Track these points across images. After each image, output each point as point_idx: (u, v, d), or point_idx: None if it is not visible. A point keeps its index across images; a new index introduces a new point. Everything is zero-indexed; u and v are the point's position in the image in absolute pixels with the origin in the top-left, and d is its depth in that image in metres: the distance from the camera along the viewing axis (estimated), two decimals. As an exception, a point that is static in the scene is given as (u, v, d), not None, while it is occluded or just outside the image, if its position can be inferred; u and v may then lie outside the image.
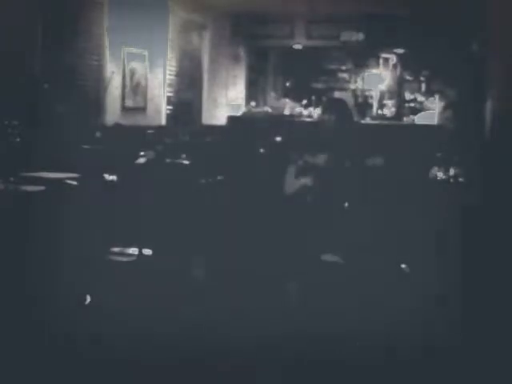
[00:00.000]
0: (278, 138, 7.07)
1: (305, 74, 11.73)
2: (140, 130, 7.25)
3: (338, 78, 11.77)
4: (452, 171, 5.10)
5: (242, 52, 11.49)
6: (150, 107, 8.59)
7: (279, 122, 10.31)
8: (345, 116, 5.09)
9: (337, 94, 11.50)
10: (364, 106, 11.31)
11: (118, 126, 7.28)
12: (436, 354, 3.51)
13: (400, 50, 10.93)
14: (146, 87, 8.42)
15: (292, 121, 10.53)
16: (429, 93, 11.07)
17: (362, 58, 11.42)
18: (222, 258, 4.82)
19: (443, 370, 3.38)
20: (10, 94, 5.69)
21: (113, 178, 4.89)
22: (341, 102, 5.97)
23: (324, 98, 10.86)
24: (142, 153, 5.76)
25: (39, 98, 6.02)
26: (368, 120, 10.56)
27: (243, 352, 3.53)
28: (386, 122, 10.53)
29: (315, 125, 10.00)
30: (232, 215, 5.08)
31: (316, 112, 10.74)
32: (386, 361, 3.45)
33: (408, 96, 11.26)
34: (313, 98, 11.22)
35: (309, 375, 3.35)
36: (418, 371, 3.36)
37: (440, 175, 5.12)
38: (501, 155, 5.58)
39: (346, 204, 4.69)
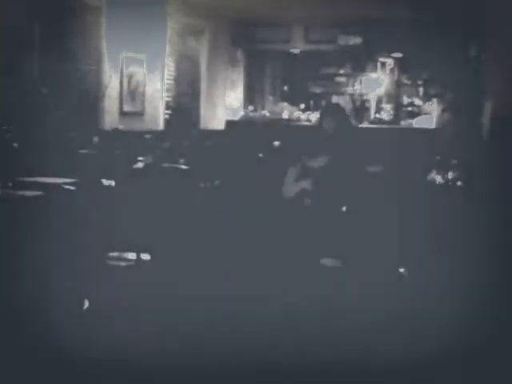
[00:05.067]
0: (277, 142, 7.06)
1: (303, 78, 11.74)
2: (138, 135, 7.24)
3: (336, 82, 11.77)
4: (450, 174, 5.11)
5: (240, 56, 11.50)
6: (148, 112, 8.59)
7: (277, 126, 10.32)
8: (342, 121, 5.10)
9: (335, 98, 11.54)
10: (362, 109, 11.32)
11: (116, 131, 7.28)
12: (437, 356, 3.51)
13: (398, 54, 10.95)
14: (143, 92, 8.42)
15: (290, 125, 10.54)
16: (427, 96, 11.08)
17: (360, 61, 11.43)
18: (221, 262, 4.81)
19: (444, 373, 3.38)
20: (7, 98, 5.69)
21: (111, 182, 4.88)
22: (337, 107, 5.99)
23: (322, 104, 10.89)
24: (140, 157, 5.75)
25: (37, 102, 6.02)
26: (366, 124, 10.56)
27: (243, 357, 3.52)
28: (383, 126, 10.53)
29: (313, 129, 10.03)
30: (230, 220, 5.08)
31: (314, 116, 10.76)
32: (386, 364, 3.44)
33: (406, 100, 11.27)
34: (311, 101, 11.24)
35: (308, 379, 3.34)
36: (418, 375, 3.35)
37: (438, 178, 5.12)
38: (499, 158, 5.58)
39: (344, 208, 4.68)
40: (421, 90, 11.26)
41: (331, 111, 5.32)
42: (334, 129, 4.98)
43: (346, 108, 9.09)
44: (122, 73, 7.91)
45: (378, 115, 11.19)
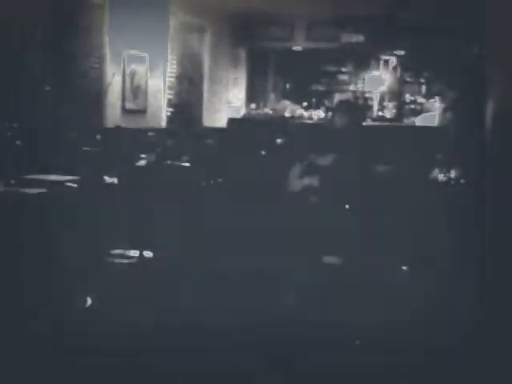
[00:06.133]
0: (279, 140, 7.06)
1: (305, 75, 11.73)
2: (140, 133, 7.24)
3: (339, 80, 11.77)
4: (453, 172, 5.11)
5: (242, 54, 11.49)
6: (151, 109, 8.59)
7: (280, 123, 10.32)
8: (354, 118, 5.08)
9: (337, 96, 11.54)
10: (364, 107, 11.31)
11: (118, 129, 7.28)
12: (437, 356, 3.51)
13: (400, 52, 10.94)
14: (146, 89, 8.42)
15: (292, 123, 10.53)
16: (429, 94, 11.08)
17: (362, 59, 11.42)
18: (224, 259, 4.81)
19: (443, 374, 3.38)
20: (10, 96, 5.69)
21: (113, 180, 4.89)
22: (351, 104, 5.98)
23: (335, 101, 10.89)
24: (142, 155, 5.76)
25: (40, 100, 6.02)
26: (369, 122, 10.55)
27: (243, 354, 3.53)
28: (386, 124, 10.53)
29: (316, 126, 10.04)
30: (233, 217, 5.08)
31: (316, 114, 10.77)
32: (386, 363, 3.44)
33: (408, 98, 11.26)
34: (313, 99, 11.23)
35: (308, 378, 3.34)
36: (419, 374, 3.35)
37: (441, 177, 5.12)
38: (501, 156, 5.57)
39: (347, 206, 4.68)
40: (423, 87, 11.26)
41: (345, 108, 5.30)
42: (346, 126, 4.97)
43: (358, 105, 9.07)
44: (124, 70, 7.91)
45: (380, 113, 11.19)
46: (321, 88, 11.73)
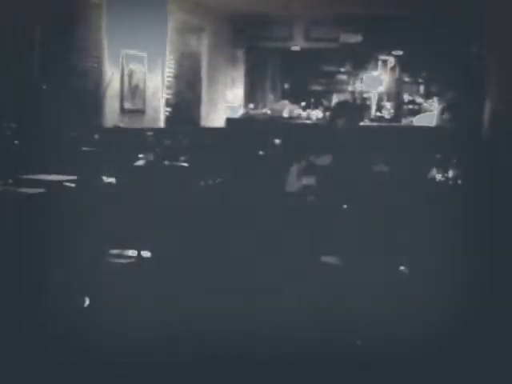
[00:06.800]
0: (277, 140, 7.06)
1: (303, 75, 11.74)
2: (139, 132, 7.24)
3: (337, 80, 11.78)
4: (451, 172, 5.11)
5: (240, 54, 11.49)
6: (149, 109, 8.59)
7: (278, 123, 10.33)
8: (353, 118, 5.09)
9: (335, 96, 11.55)
10: (363, 108, 11.32)
11: (116, 129, 7.28)
12: (436, 356, 3.51)
13: (399, 52, 10.95)
14: (144, 89, 8.42)
15: (291, 123, 10.54)
16: (427, 94, 11.09)
17: (361, 59, 11.43)
18: (222, 259, 4.81)
19: (442, 374, 3.38)
20: (8, 95, 5.69)
21: (111, 180, 4.88)
22: (350, 104, 5.98)
23: (335, 102, 10.90)
24: (140, 155, 5.76)
25: (38, 100, 6.02)
26: (367, 122, 10.56)
27: (242, 355, 3.53)
28: (384, 124, 10.54)
29: (315, 126, 10.04)
30: (231, 218, 5.08)
31: (315, 114, 10.78)
32: (385, 363, 3.45)
33: (407, 98, 11.27)
34: (312, 99, 11.25)
35: (307, 377, 3.34)
36: (418, 374, 3.36)
37: (439, 177, 5.12)
38: (499, 156, 5.58)
39: (345, 206, 4.69)
40: (421, 88, 11.27)
41: (343, 108, 5.30)
42: (344, 126, 4.97)
43: (359, 106, 9.09)
44: (122, 70, 7.92)
45: (378, 113, 11.20)
46: (319, 88, 11.73)
